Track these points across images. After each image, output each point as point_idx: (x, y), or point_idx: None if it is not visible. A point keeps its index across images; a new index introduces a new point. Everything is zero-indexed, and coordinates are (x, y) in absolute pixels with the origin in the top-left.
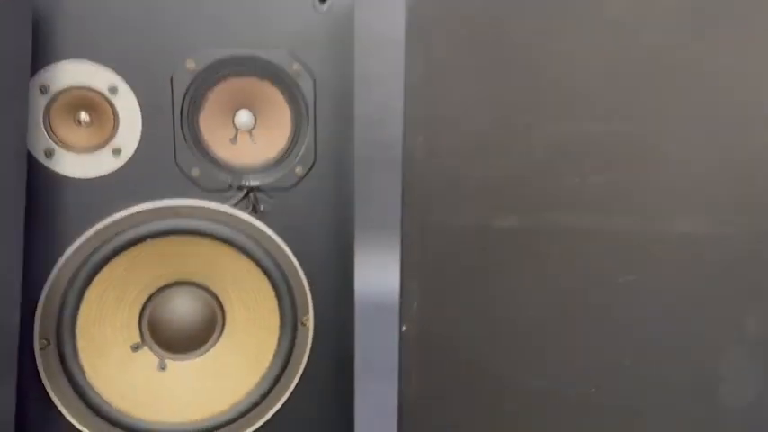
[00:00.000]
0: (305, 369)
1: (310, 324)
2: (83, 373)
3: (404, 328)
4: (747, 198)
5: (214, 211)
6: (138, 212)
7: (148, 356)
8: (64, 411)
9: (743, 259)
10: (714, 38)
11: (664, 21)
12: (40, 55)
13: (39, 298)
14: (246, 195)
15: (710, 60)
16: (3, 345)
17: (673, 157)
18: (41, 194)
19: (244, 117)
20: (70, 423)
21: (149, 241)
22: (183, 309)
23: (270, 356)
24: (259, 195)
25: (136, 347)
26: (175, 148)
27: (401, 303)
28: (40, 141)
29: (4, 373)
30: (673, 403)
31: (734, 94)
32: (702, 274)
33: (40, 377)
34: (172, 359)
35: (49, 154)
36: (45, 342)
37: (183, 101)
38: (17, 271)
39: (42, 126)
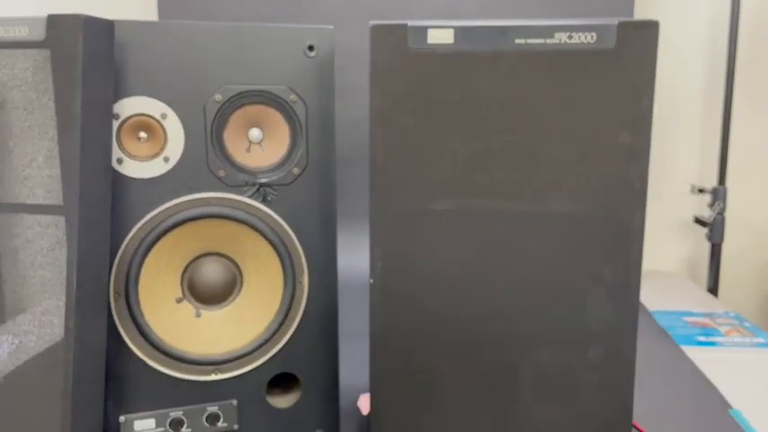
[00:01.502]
0: (302, 315)
1: (305, 282)
2: (143, 317)
3: (371, 281)
4: (600, 187)
5: (235, 200)
6: (180, 203)
7: (188, 307)
8: (130, 344)
9: (598, 229)
10: (566, 87)
11: (538, 71)
12: (114, 93)
13: (113, 263)
14: (258, 189)
15: (567, 96)
16: (100, 295)
17: (549, 159)
18: (115, 191)
19: (255, 133)
20: (134, 353)
21: (189, 223)
22: (212, 272)
23: (276, 307)
24: (267, 189)
25: (179, 300)
26: (207, 156)
27: (370, 264)
28: (114, 153)
29: (101, 311)
30: (554, 328)
31: (585, 118)
32: (571, 240)
33: (114, 320)
34: (205, 309)
35: (120, 162)
36: (117, 295)
37: (213, 122)
38: (107, 245)
39: (115, 142)
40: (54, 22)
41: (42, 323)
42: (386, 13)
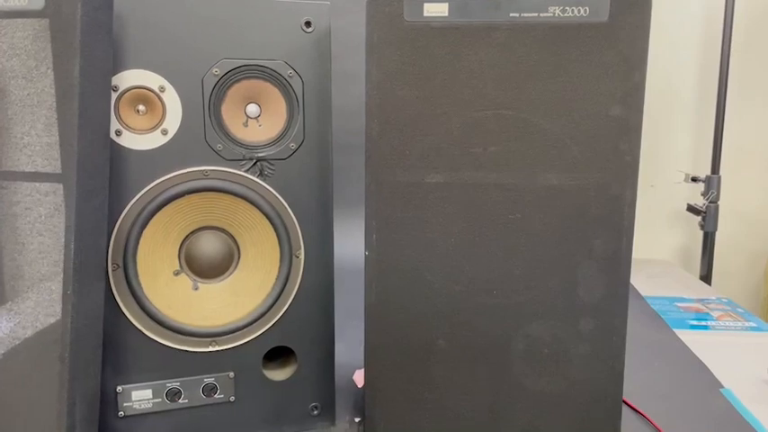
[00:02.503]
0: (298, 288)
1: (302, 256)
2: (141, 288)
3: (366, 253)
4: (593, 160)
5: (232, 174)
6: (178, 175)
7: (186, 280)
8: (128, 315)
9: (590, 201)
10: (559, 60)
11: (532, 44)
12: (113, 66)
13: (111, 235)
14: (255, 163)
15: (560, 69)
16: (98, 263)
17: (542, 131)
18: (113, 162)
19: (252, 108)
20: (132, 324)
21: (187, 196)
22: (209, 246)
23: (273, 280)
24: (264, 163)
25: (177, 273)
26: (205, 130)
27: (365, 236)
28: (112, 125)
29: (99, 279)
30: (547, 300)
31: (578, 91)
32: (564, 212)
33: (112, 291)
34: (202, 282)
35: (119, 133)
36: (116, 266)
37: (211, 96)
38: (105, 214)
39: (114, 114)
40: None
41: (40, 290)
42: None
